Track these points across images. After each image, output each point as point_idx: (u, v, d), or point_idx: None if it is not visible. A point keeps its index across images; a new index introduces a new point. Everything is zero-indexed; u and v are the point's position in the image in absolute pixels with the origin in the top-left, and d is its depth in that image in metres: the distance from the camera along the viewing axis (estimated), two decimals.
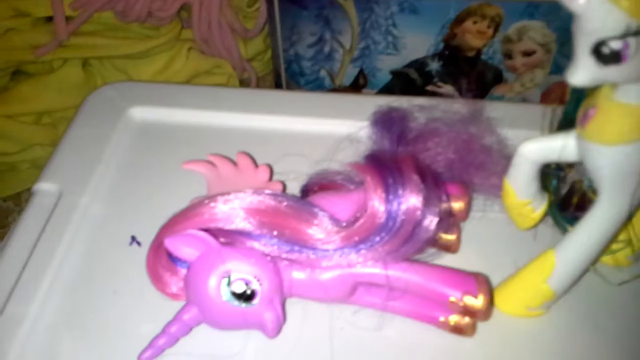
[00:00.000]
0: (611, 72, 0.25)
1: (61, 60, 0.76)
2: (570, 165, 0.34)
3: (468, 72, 0.67)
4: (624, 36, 0.24)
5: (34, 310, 0.34)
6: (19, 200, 0.82)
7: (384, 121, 0.38)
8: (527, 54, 0.65)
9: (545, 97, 0.67)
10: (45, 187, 0.41)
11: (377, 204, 0.30)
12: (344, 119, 0.44)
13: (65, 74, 0.76)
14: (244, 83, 0.83)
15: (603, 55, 0.25)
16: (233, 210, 0.31)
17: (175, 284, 0.33)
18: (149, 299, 0.34)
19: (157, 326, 0.32)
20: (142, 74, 0.77)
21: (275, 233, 0.30)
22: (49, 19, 0.74)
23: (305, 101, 0.48)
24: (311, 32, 0.66)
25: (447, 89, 0.69)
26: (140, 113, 0.46)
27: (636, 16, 0.24)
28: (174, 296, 0.33)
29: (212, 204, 0.31)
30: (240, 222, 0.30)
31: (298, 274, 0.31)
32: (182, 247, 0.31)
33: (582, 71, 0.26)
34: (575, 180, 0.35)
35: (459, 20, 0.62)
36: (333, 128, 0.43)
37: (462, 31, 0.63)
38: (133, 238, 0.38)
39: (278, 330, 0.31)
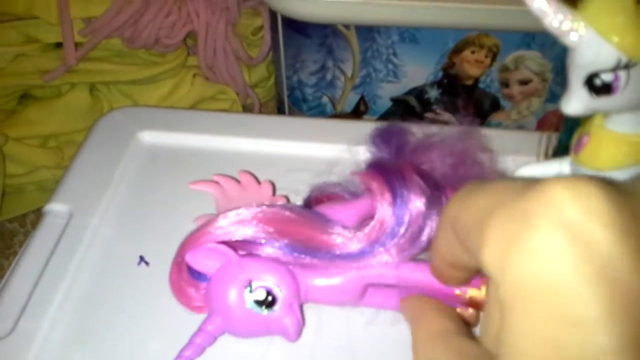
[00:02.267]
0: (603, 102, 0.27)
1: (69, 85, 0.78)
2: None
3: (466, 100, 0.68)
4: (614, 69, 0.26)
5: (45, 328, 0.35)
6: (24, 222, 0.83)
7: (383, 135, 0.39)
8: (524, 82, 0.66)
9: (542, 125, 0.69)
10: (56, 207, 0.42)
11: (386, 208, 0.32)
12: (346, 144, 0.45)
13: (73, 98, 0.78)
14: (247, 109, 0.85)
15: (595, 86, 0.26)
16: (248, 222, 0.32)
17: (198, 298, 0.34)
18: (157, 317, 0.35)
19: (165, 344, 0.33)
20: (147, 99, 0.79)
21: (289, 240, 0.32)
22: (58, 45, 0.76)
23: (308, 126, 0.50)
24: (314, 60, 0.68)
25: (446, 116, 0.70)
26: (149, 137, 0.47)
27: (626, 51, 0.25)
28: (198, 309, 0.34)
29: (227, 218, 0.32)
30: (256, 232, 0.32)
31: (312, 279, 0.33)
32: (203, 260, 0.32)
33: (575, 101, 0.27)
34: None
35: (458, 49, 0.64)
36: (335, 153, 0.45)
37: (461, 60, 0.65)
38: (141, 258, 0.39)
39: (299, 333, 0.32)
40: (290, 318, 0.31)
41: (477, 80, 0.67)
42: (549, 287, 0.16)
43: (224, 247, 0.32)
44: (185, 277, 0.34)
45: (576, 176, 0.17)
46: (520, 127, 0.70)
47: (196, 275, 0.34)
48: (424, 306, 0.29)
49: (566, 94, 0.28)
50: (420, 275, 0.32)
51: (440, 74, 0.67)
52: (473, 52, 0.64)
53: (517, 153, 0.38)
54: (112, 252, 0.40)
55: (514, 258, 0.17)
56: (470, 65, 0.65)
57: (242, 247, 0.33)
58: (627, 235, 0.16)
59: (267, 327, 0.32)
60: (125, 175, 0.45)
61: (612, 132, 0.29)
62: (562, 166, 0.32)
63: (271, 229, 0.32)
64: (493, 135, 0.38)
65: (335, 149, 0.45)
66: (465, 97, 0.68)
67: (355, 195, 0.37)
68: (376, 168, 0.35)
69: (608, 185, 0.17)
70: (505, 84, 0.67)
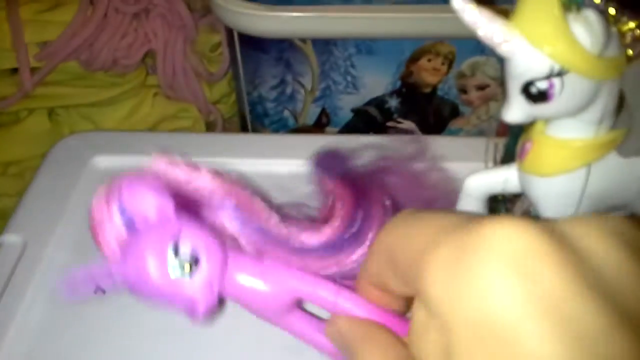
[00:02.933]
0: (541, 109, 0.27)
1: (27, 110, 0.77)
2: (517, 196, 0.36)
3: (426, 108, 0.69)
4: (548, 77, 0.26)
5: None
6: None
7: (326, 161, 0.38)
8: (481, 88, 0.67)
9: (502, 128, 0.70)
10: (9, 239, 0.41)
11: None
12: (307, 159, 0.45)
13: (32, 124, 0.77)
14: (210, 126, 0.85)
15: (532, 94, 0.27)
16: (209, 177, 0.29)
17: (114, 239, 0.29)
18: (114, 347, 0.35)
19: None
20: (108, 121, 0.78)
21: (247, 214, 0.29)
22: (14, 71, 0.75)
23: (267, 143, 0.50)
24: (273, 75, 0.68)
25: (407, 124, 0.71)
26: (104, 162, 0.47)
27: (557, 59, 0.26)
28: (108, 253, 0.29)
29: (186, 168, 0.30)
30: (214, 189, 0.29)
31: (239, 272, 0.29)
32: (138, 199, 0.28)
33: (515, 109, 0.28)
34: (524, 211, 0.36)
35: (414, 58, 0.65)
36: (296, 167, 0.45)
37: (418, 69, 0.66)
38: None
39: (205, 317, 0.28)
40: (205, 295, 0.27)
41: (435, 87, 0.67)
42: (498, 323, 0.16)
43: (165, 191, 0.28)
44: (114, 218, 0.28)
45: (516, 217, 0.18)
46: (481, 131, 0.71)
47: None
48: (369, 330, 0.26)
49: (506, 103, 0.28)
50: (361, 311, 0.28)
51: (398, 83, 0.67)
52: (429, 60, 0.65)
53: (466, 160, 0.38)
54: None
55: (462, 295, 0.17)
56: (428, 73, 0.66)
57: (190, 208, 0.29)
58: (574, 273, 0.16)
59: (178, 294, 0.27)
60: (80, 202, 0.44)
61: (553, 138, 0.29)
62: (509, 173, 0.32)
63: (231, 194, 0.29)
64: (443, 143, 0.39)
65: (297, 164, 0.45)
66: (425, 105, 0.69)
67: (311, 218, 0.36)
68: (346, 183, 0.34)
69: (545, 224, 0.18)
70: (463, 90, 0.68)
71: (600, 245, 0.17)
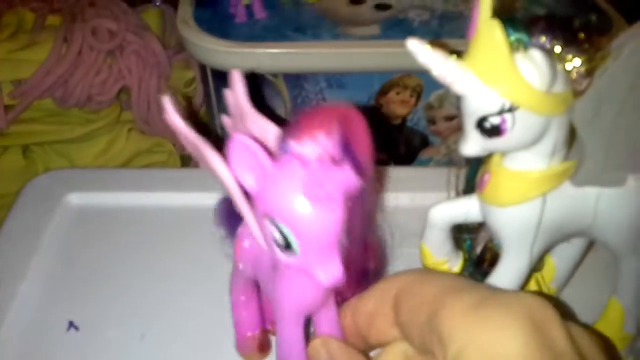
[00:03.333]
0: (495, 143, 0.29)
1: (1, 148, 0.77)
2: (480, 225, 0.37)
3: (396, 139, 0.71)
4: (500, 113, 0.28)
5: None
6: None
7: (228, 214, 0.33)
8: (449, 118, 0.69)
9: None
10: None
11: None
12: None
13: (6, 161, 0.77)
14: (185, 160, 0.85)
15: (485, 129, 0.28)
16: None
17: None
18: None
19: None
20: (83, 157, 0.78)
21: None
22: None
23: None
24: None
25: (378, 155, 0.72)
26: (78, 199, 0.47)
27: (507, 97, 0.27)
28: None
29: None
30: None
31: None
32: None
33: (471, 143, 0.29)
34: (487, 240, 0.38)
35: (383, 91, 0.67)
36: None
37: (387, 101, 0.67)
38: (71, 323, 0.38)
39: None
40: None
41: (404, 119, 0.69)
42: (508, 355, 0.20)
43: None
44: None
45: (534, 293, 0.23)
46: (450, 160, 0.73)
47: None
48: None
49: (462, 137, 0.30)
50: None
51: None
52: (398, 93, 0.67)
53: (430, 190, 0.39)
54: (41, 319, 0.39)
55: (481, 330, 0.21)
56: (397, 105, 0.68)
57: None
58: (571, 337, 0.22)
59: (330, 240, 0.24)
60: (53, 239, 0.44)
61: (509, 170, 0.31)
62: (470, 203, 0.34)
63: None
64: (407, 174, 0.40)
65: None
66: (395, 136, 0.70)
67: None
68: None
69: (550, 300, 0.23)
70: (431, 121, 0.70)
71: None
